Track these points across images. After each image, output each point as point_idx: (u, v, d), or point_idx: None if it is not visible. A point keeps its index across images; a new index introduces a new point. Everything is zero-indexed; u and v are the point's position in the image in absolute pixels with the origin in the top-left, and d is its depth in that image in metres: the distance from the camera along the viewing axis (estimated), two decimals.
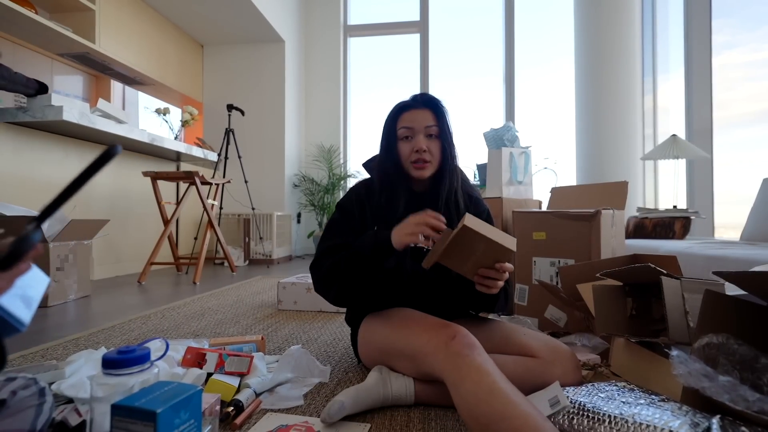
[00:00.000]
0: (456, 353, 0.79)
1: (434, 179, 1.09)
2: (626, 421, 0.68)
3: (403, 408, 0.94)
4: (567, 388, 0.85)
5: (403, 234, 0.91)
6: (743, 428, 0.62)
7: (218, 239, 3.18)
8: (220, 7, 3.72)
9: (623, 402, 0.74)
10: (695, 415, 0.67)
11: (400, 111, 1.08)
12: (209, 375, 0.99)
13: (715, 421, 0.63)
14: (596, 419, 0.72)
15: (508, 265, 0.86)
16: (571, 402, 0.78)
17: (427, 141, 1.04)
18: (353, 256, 0.97)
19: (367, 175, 1.25)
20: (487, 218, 1.16)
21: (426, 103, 1.07)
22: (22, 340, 1.46)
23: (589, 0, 3.84)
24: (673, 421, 0.65)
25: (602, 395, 0.79)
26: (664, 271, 0.97)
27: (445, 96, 1.14)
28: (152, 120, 3.98)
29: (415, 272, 1.06)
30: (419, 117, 1.05)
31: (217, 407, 0.77)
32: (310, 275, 2.20)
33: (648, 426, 0.66)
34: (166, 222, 2.93)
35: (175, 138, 3.66)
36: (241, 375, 1.01)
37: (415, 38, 4.87)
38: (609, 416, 0.71)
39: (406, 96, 1.11)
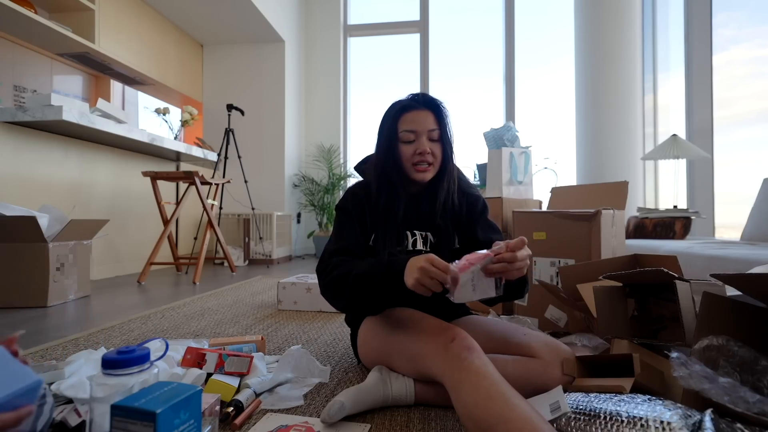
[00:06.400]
0: (455, 356, 0.79)
1: (433, 182, 1.08)
2: (620, 415, 0.69)
3: (403, 408, 0.94)
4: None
5: (416, 284, 0.84)
6: (738, 425, 0.62)
7: (218, 239, 3.18)
8: (220, 7, 3.72)
9: (620, 400, 0.74)
10: (688, 409, 0.68)
11: (401, 111, 1.06)
12: (209, 375, 0.99)
13: (708, 413, 0.63)
14: (592, 416, 0.73)
15: (509, 250, 0.80)
16: (569, 402, 0.78)
17: (430, 144, 1.04)
18: (364, 279, 0.93)
19: (359, 178, 1.23)
20: (482, 207, 1.15)
21: (427, 104, 1.06)
22: (21, 341, 1.46)
23: None
24: (665, 413, 0.66)
25: (600, 395, 0.79)
26: (675, 275, 0.97)
27: (445, 96, 1.14)
28: (152, 120, 3.99)
29: None
30: (422, 119, 1.04)
31: (217, 407, 0.77)
32: (311, 276, 2.21)
33: (641, 419, 0.67)
34: (166, 222, 2.93)
35: (175, 138, 3.66)
36: (241, 375, 1.01)
37: (415, 38, 4.86)
38: (604, 412, 0.71)
39: (405, 95, 1.09)
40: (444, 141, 1.06)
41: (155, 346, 0.98)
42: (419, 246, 1.08)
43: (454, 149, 1.09)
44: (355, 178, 4.76)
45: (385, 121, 1.09)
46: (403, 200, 1.07)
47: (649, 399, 0.73)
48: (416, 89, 4.97)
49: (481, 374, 0.75)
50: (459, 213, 1.13)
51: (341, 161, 4.84)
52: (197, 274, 2.77)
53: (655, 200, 3.95)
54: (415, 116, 1.04)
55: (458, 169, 1.18)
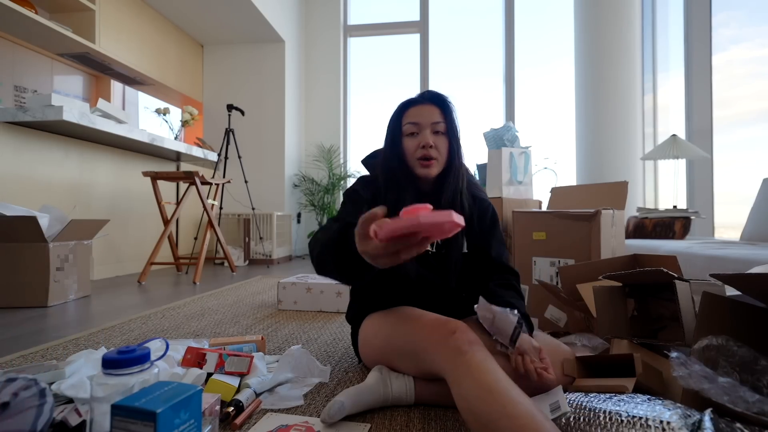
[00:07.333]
0: (456, 349, 0.78)
1: (440, 179, 1.06)
2: (620, 415, 0.69)
3: (403, 408, 0.94)
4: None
5: (382, 263, 0.64)
6: (737, 425, 0.62)
7: (218, 239, 3.18)
8: (220, 7, 3.72)
9: (620, 400, 0.74)
10: (688, 409, 0.68)
11: (406, 106, 1.06)
12: (209, 375, 0.99)
13: (707, 413, 0.63)
14: (592, 415, 0.73)
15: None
16: (569, 402, 0.78)
17: (434, 137, 1.02)
18: (327, 246, 0.80)
19: (365, 172, 1.21)
20: (492, 217, 1.14)
21: (432, 99, 1.05)
22: (22, 340, 1.46)
23: None
24: (664, 413, 0.66)
25: (600, 395, 0.79)
26: (675, 275, 0.97)
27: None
28: (152, 120, 3.99)
29: (420, 277, 1.05)
30: (425, 112, 1.03)
31: (217, 407, 0.77)
32: (311, 276, 2.21)
33: (641, 418, 0.67)
34: (166, 222, 2.93)
35: (175, 138, 3.66)
36: (241, 375, 1.01)
37: (415, 38, 4.86)
38: (604, 411, 0.72)
39: (406, 95, 1.09)
40: (450, 135, 1.04)
41: (155, 346, 0.98)
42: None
43: (462, 146, 1.07)
44: (355, 178, 4.76)
45: (391, 118, 1.08)
46: (410, 197, 1.05)
47: (648, 399, 0.73)
48: (416, 89, 4.99)
49: (482, 368, 0.74)
50: (470, 217, 1.10)
51: (341, 161, 4.84)
52: (197, 274, 2.77)
53: (655, 200, 3.96)
54: (419, 110, 1.03)
55: (467, 169, 1.15)
